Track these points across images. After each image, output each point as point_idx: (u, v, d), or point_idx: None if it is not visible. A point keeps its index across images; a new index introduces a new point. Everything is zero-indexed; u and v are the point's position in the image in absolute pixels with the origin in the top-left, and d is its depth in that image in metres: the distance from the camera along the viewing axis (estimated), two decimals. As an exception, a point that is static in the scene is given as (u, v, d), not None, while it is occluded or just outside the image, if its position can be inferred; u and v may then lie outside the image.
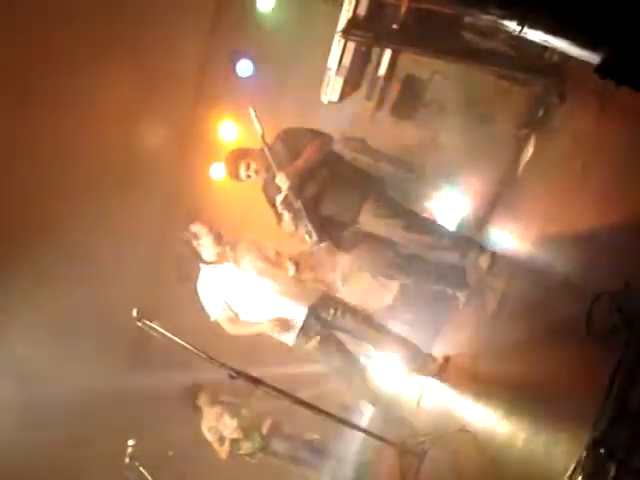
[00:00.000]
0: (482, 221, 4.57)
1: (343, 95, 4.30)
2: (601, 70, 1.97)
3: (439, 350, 4.30)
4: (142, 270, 6.38)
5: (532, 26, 2.07)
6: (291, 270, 4.28)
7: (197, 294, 4.33)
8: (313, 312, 4.18)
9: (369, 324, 4.28)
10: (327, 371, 4.55)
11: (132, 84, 5.54)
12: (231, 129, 6.22)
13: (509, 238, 3.90)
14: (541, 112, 4.06)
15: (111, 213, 5.65)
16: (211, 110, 6.19)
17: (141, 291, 5.90)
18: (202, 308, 4.31)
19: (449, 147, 5.03)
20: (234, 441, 5.94)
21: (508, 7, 2.10)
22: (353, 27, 3.88)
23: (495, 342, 3.39)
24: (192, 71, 6.13)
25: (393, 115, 5.14)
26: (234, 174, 4.16)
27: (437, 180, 5.30)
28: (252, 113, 3.78)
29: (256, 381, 3.12)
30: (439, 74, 4.91)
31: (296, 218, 3.99)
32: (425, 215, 4.54)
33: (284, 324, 4.14)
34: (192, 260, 4.29)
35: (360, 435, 4.32)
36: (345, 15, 3.86)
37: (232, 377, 3.06)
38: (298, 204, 3.92)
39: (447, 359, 4.03)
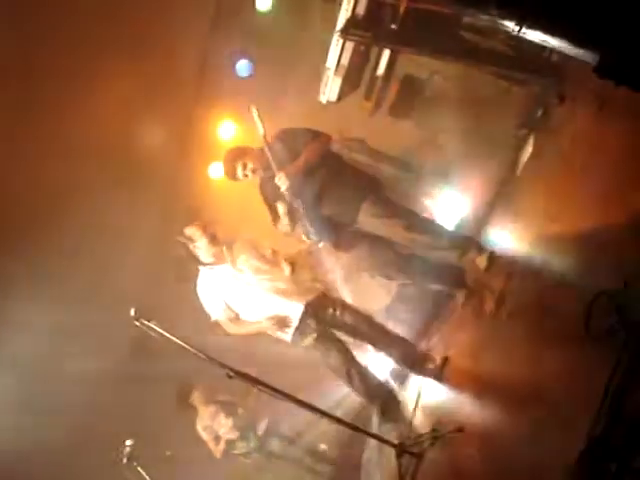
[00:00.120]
0: (481, 221, 4.56)
1: (342, 95, 4.30)
2: (600, 70, 1.97)
3: (438, 350, 4.30)
4: (141, 270, 6.37)
5: (531, 26, 2.08)
6: (287, 270, 4.29)
7: (196, 294, 4.33)
8: (310, 310, 4.19)
9: (368, 324, 4.30)
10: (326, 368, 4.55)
11: (132, 84, 5.53)
12: (230, 129, 6.22)
13: (508, 238, 3.90)
14: (540, 112, 4.06)
15: (110, 212, 5.65)
16: (211, 110, 6.20)
17: (140, 291, 5.89)
18: (201, 308, 4.31)
19: (448, 147, 5.03)
20: (229, 441, 5.93)
21: (507, 7, 2.10)
22: (352, 27, 3.88)
23: (494, 342, 3.39)
24: (192, 71, 6.13)
25: (392, 115, 5.14)
26: (231, 173, 4.17)
27: (436, 180, 5.29)
28: (254, 113, 3.78)
29: (254, 381, 3.12)
30: (438, 74, 4.92)
31: (294, 218, 4.00)
32: (424, 215, 4.53)
33: (281, 322, 4.16)
34: (190, 262, 4.29)
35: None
36: (344, 15, 3.86)
37: (230, 377, 3.06)
38: (297, 204, 3.93)
39: (446, 359, 4.02)
